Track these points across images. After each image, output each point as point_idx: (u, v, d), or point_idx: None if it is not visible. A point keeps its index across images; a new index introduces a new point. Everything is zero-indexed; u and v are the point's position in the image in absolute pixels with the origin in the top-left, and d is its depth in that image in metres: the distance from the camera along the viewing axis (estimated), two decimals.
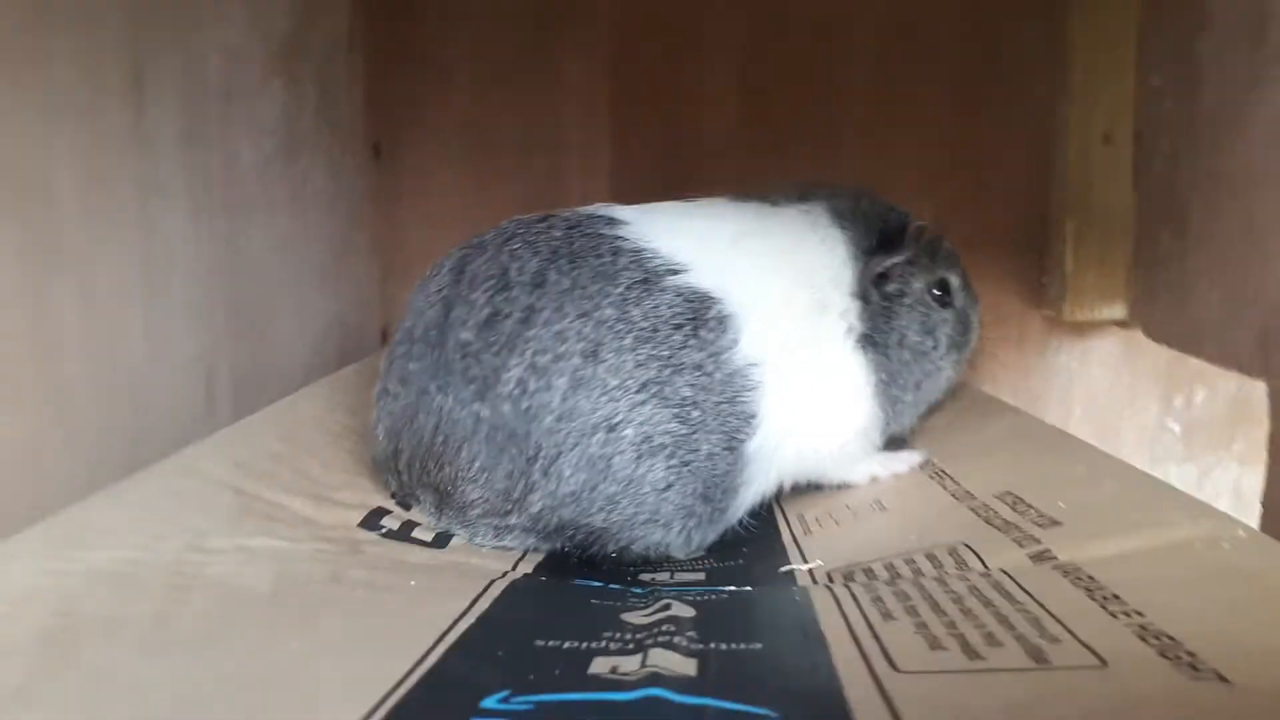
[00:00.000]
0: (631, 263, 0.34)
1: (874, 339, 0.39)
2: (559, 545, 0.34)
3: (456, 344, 0.33)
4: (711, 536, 0.36)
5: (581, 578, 0.31)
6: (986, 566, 0.28)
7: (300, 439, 0.38)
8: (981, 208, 0.60)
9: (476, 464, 0.32)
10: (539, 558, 0.34)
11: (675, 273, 0.34)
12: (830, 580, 0.30)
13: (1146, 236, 0.52)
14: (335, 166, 0.56)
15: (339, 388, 0.46)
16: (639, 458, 0.32)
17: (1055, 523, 0.30)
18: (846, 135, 0.60)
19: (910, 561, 0.30)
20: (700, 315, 0.34)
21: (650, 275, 0.34)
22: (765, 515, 0.39)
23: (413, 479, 0.34)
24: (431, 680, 0.21)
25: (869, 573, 0.30)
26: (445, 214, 0.64)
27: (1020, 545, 0.29)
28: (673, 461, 0.33)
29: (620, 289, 0.33)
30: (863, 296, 0.39)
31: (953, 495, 0.35)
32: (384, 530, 0.33)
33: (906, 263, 0.40)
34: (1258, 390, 0.41)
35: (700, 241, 0.36)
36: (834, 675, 0.21)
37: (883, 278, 0.40)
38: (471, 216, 0.63)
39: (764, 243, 0.37)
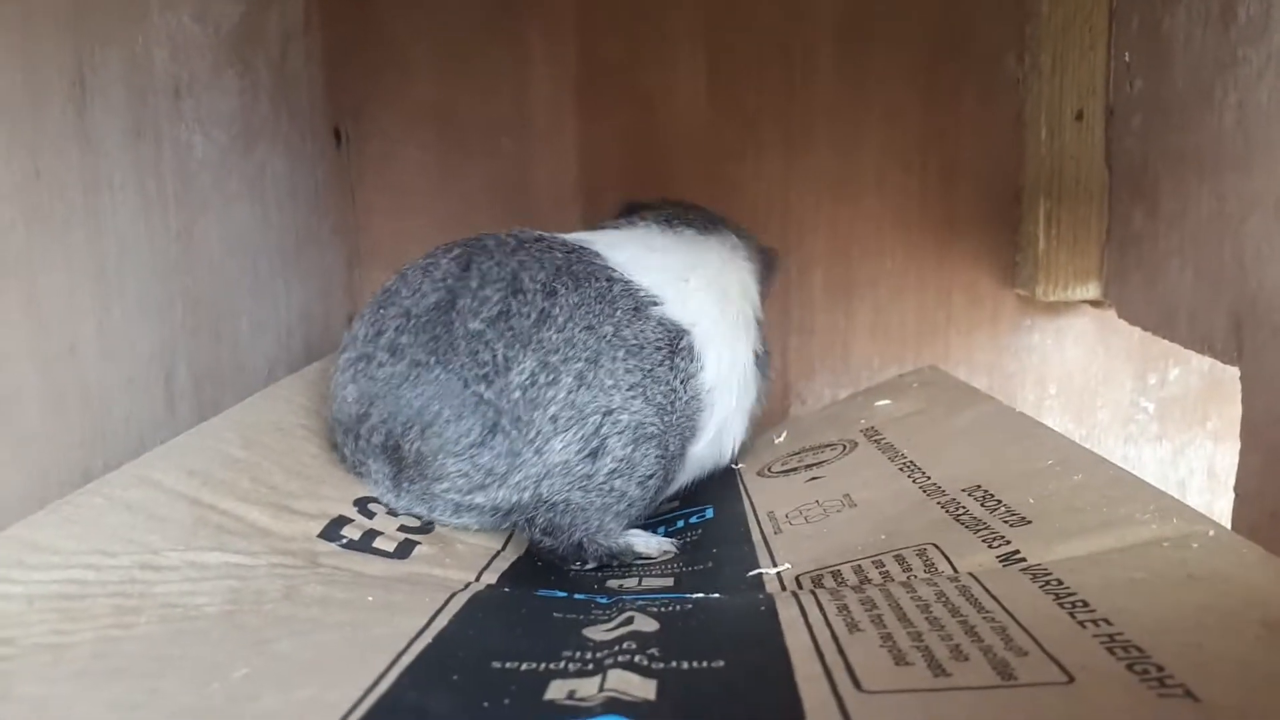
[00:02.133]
0: (623, 291, 0.39)
1: (759, 359, 0.45)
2: (512, 522, 0.37)
3: (466, 331, 0.36)
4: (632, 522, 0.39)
5: (546, 588, 0.31)
6: (955, 570, 0.28)
7: (261, 443, 0.37)
8: (953, 188, 0.59)
9: (466, 440, 0.35)
10: (504, 566, 0.33)
11: (655, 304, 0.39)
12: (799, 585, 0.30)
13: (1119, 215, 0.52)
14: (295, 154, 0.55)
15: (302, 387, 0.45)
16: (635, 441, 0.37)
17: (1025, 520, 0.29)
18: (817, 118, 0.59)
19: (879, 564, 0.29)
20: (675, 344, 0.39)
21: (639, 304, 0.39)
22: (736, 512, 0.39)
23: (372, 447, 0.36)
24: (381, 710, 0.20)
25: (837, 576, 0.30)
26: (410, 198, 0.62)
27: (990, 546, 0.28)
28: (659, 452, 0.37)
29: (618, 313, 0.38)
30: (759, 321, 0.45)
31: (922, 490, 0.35)
32: (344, 541, 0.32)
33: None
34: (1231, 368, 0.41)
35: (665, 276, 0.41)
36: (796, 696, 0.20)
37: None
38: (437, 200, 0.62)
39: (708, 278, 0.43)
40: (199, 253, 0.44)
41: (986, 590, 0.25)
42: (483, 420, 0.35)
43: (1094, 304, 0.55)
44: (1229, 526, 0.34)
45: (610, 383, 0.36)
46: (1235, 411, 0.59)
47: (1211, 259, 0.41)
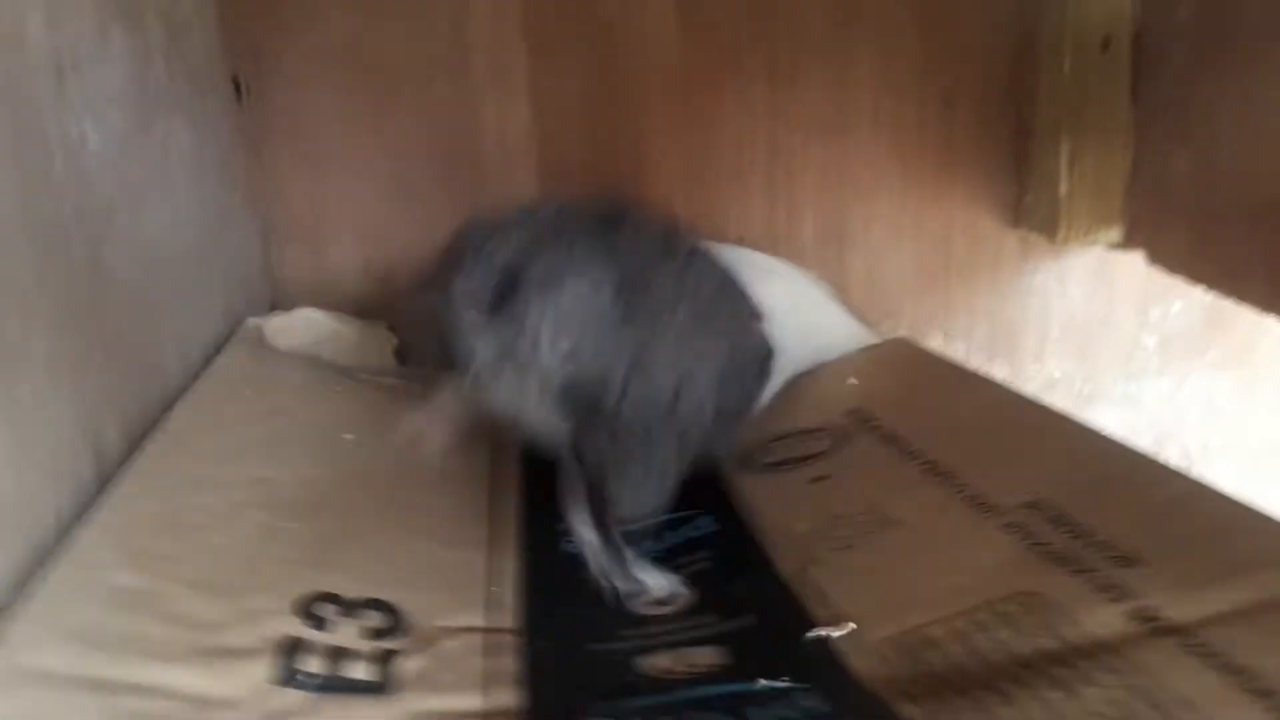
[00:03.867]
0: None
1: None
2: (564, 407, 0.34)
3: (675, 316, 0.35)
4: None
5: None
6: (1081, 632, 0.24)
7: (153, 551, 0.28)
8: (950, 124, 0.53)
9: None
10: (509, 680, 0.27)
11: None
12: (887, 662, 0.25)
13: (1151, 155, 0.48)
14: (197, 121, 0.44)
15: (219, 397, 0.37)
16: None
17: (1128, 558, 0.26)
18: (802, 53, 0.52)
19: (980, 625, 0.25)
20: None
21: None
22: (740, 525, 0.35)
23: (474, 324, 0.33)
24: None
25: (933, 645, 0.25)
26: (328, 154, 0.52)
27: (1105, 595, 0.25)
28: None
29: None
30: None
31: (967, 503, 0.31)
32: (310, 681, 0.25)
33: None
34: None
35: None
36: None
37: None
38: (359, 156, 0.53)
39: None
40: (110, 279, 0.35)
41: (1163, 688, 0.21)
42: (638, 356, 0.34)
43: (1114, 247, 0.51)
44: None
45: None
46: (1236, 340, 0.57)
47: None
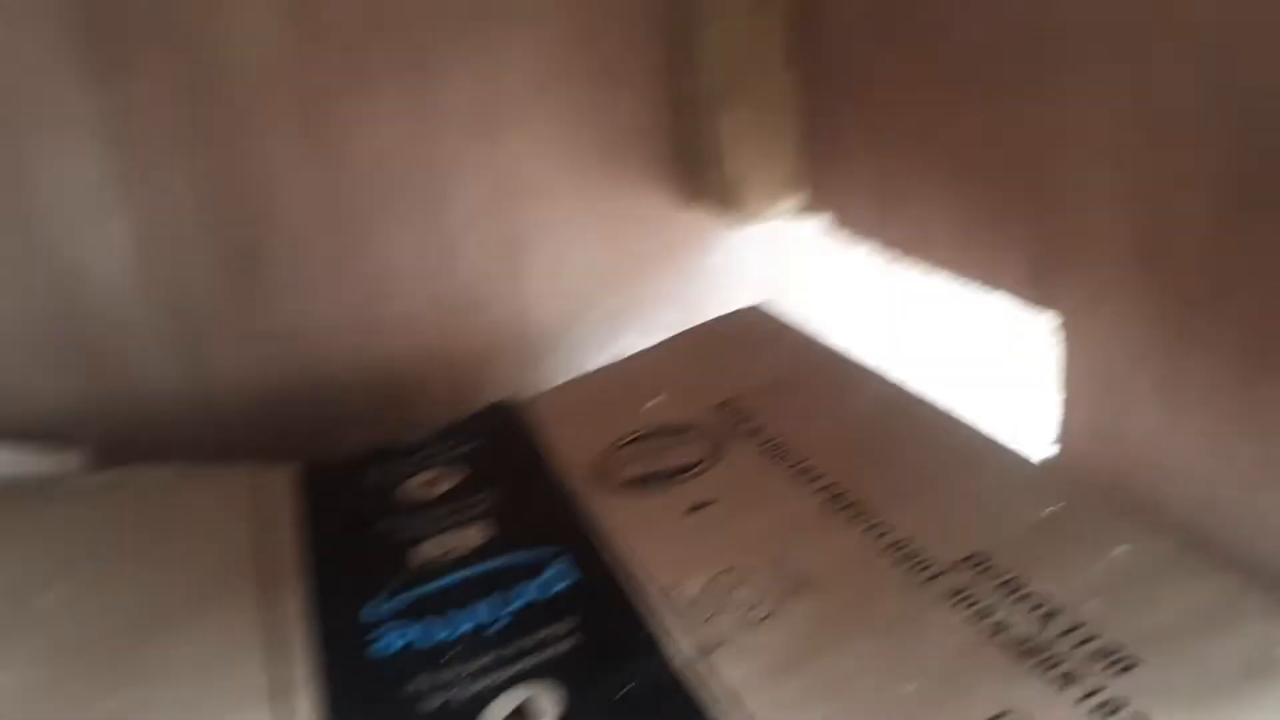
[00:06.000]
0: None
1: None
2: None
3: None
4: None
5: None
6: None
7: None
8: (614, 109, 0.48)
9: None
10: None
11: None
12: None
13: (821, 119, 0.45)
14: None
15: None
16: None
17: (1116, 659, 0.22)
18: (442, 30, 0.45)
19: None
20: None
21: None
22: (609, 577, 0.28)
23: None
24: None
25: None
26: None
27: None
28: None
29: None
30: None
31: (897, 563, 0.26)
32: None
33: None
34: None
35: None
36: None
37: None
38: None
39: None
40: None
41: None
42: None
43: (797, 217, 0.49)
44: None
45: None
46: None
47: (993, 193, 0.36)
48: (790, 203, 0.47)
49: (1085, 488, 0.28)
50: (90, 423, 0.42)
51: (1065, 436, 0.35)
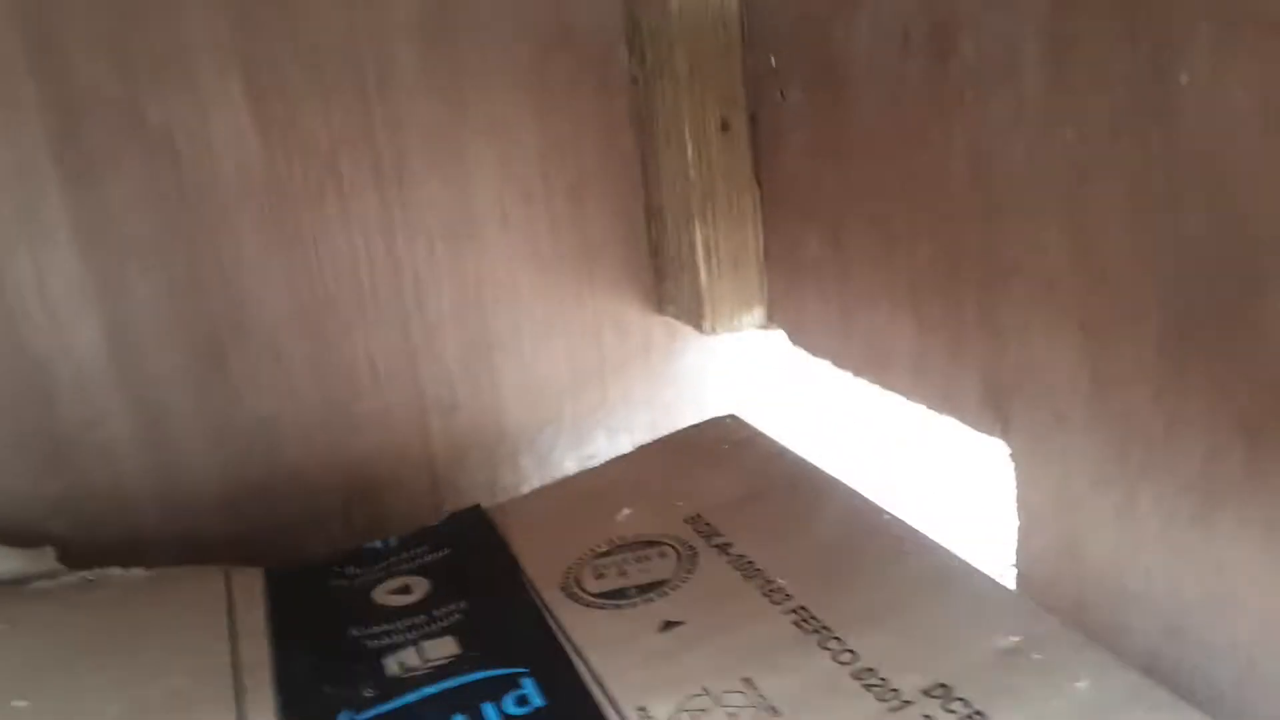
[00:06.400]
0: None
1: None
2: None
3: None
4: None
5: None
6: None
7: None
8: (582, 218, 0.50)
9: None
10: None
11: None
12: None
13: (781, 236, 0.47)
14: None
15: None
16: None
17: None
18: (411, 141, 0.46)
19: None
20: None
21: None
22: (577, 699, 0.28)
23: None
24: None
25: None
26: None
27: None
28: None
29: None
30: None
31: (858, 683, 0.26)
32: None
33: None
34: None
35: None
36: None
37: None
38: None
39: None
40: None
41: None
42: None
43: (759, 329, 0.50)
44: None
45: None
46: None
47: (944, 316, 0.38)
48: (754, 315, 0.49)
49: (1047, 616, 0.29)
50: (61, 517, 0.42)
51: (1024, 560, 0.36)
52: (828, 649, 0.28)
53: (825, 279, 0.44)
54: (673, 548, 0.35)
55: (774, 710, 0.26)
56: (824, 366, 0.47)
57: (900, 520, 0.35)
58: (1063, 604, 0.32)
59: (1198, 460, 0.28)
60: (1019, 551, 0.36)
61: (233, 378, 0.45)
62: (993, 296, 0.35)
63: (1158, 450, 0.29)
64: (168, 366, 0.44)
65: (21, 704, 0.28)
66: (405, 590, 0.35)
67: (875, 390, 0.43)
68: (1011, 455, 0.35)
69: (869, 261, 0.41)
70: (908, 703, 0.26)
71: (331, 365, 0.46)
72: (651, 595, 0.32)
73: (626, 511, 0.37)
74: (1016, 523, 0.36)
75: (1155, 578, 0.30)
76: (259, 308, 0.45)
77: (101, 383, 0.43)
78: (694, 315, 0.49)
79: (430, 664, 0.30)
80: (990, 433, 0.36)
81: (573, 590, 0.33)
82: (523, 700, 0.28)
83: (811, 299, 0.46)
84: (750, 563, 0.33)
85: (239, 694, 0.29)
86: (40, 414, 0.42)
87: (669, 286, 0.51)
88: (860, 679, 0.27)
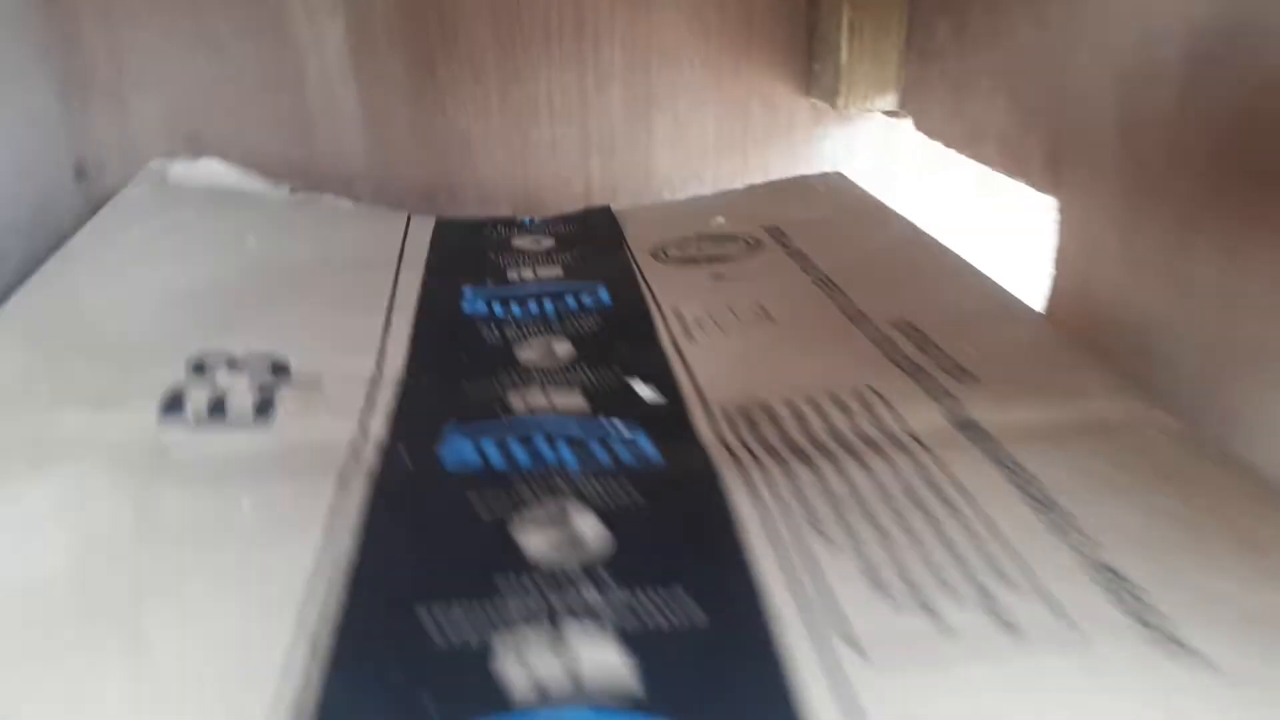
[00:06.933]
0: None
1: None
2: None
3: None
4: None
5: (450, 441, 0.27)
6: (903, 426, 0.27)
7: (57, 323, 0.32)
8: None
9: None
10: (384, 412, 0.29)
11: None
12: (731, 425, 0.28)
13: (920, 25, 0.52)
14: None
15: (119, 223, 0.40)
16: None
17: (966, 373, 0.30)
18: None
19: (814, 405, 0.28)
20: None
21: None
22: (635, 301, 0.37)
23: None
24: None
25: (770, 414, 0.28)
26: (129, 4, 0.51)
27: (934, 399, 0.28)
28: None
29: None
30: None
31: (844, 313, 0.35)
32: (193, 417, 0.28)
33: None
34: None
35: None
36: (784, 667, 0.19)
37: None
38: (162, 4, 0.52)
39: None
40: None
41: (950, 477, 0.24)
42: None
43: (890, 115, 0.56)
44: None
45: None
46: (1000, 202, 0.63)
47: (1027, 83, 0.42)
48: (887, 99, 0.54)
49: (1054, 331, 0.34)
50: (299, 178, 0.54)
51: (1051, 302, 0.41)
52: (828, 296, 0.36)
53: (947, 64, 0.49)
54: (745, 240, 0.43)
55: (769, 319, 0.35)
56: (939, 150, 0.52)
57: (957, 254, 0.41)
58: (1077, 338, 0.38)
59: (1183, 196, 0.32)
60: (1053, 294, 0.41)
61: (440, 87, 0.55)
62: (1063, 80, 0.39)
63: (1158, 187, 0.34)
64: (391, 68, 0.55)
65: (252, 240, 0.41)
66: (537, 243, 0.44)
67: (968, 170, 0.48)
68: (1059, 209, 0.40)
69: (981, 43, 0.46)
70: (873, 324, 0.33)
71: (517, 94, 0.56)
72: (713, 262, 0.41)
73: (719, 220, 0.45)
74: (1050, 271, 0.41)
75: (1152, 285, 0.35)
76: (468, 36, 0.55)
77: (341, 76, 0.54)
78: (830, 93, 0.55)
79: (539, 279, 0.40)
80: (1047, 191, 0.41)
81: (658, 254, 0.42)
82: (597, 300, 0.38)
83: (935, 85, 0.51)
84: (800, 252, 0.41)
85: (393, 293, 0.39)
86: (294, 97, 0.54)
87: (816, 69, 0.57)
88: (843, 310, 0.35)
